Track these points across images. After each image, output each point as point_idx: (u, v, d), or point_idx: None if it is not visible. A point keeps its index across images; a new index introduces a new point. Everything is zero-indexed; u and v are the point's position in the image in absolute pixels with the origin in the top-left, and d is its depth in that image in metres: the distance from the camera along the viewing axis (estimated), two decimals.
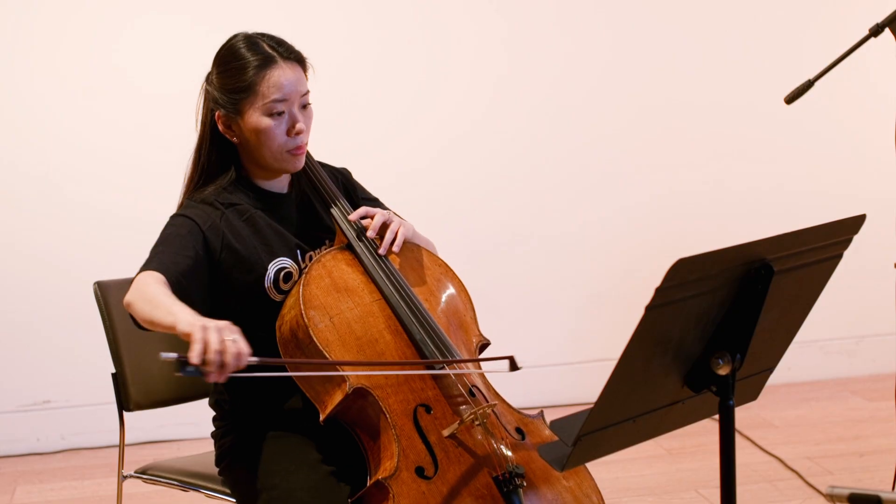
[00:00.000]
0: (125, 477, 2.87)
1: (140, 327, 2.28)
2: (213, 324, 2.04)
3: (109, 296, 2.89)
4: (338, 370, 2.30)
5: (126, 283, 2.93)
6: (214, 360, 2.00)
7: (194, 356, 1.99)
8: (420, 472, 2.23)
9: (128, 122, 4.64)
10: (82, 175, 4.62)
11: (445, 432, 2.28)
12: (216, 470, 2.62)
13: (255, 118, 2.42)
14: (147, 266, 2.31)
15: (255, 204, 2.51)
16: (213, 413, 2.64)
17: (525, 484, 2.26)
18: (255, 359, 2.08)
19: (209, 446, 2.73)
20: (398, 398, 2.30)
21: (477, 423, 2.32)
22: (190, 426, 4.65)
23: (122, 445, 2.95)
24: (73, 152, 4.61)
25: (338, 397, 2.30)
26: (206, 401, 2.79)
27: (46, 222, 4.62)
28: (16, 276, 4.62)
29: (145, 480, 2.83)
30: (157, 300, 2.19)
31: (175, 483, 2.76)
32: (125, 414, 2.88)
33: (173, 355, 1.98)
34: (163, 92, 4.61)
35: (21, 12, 4.53)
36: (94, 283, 2.90)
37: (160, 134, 4.61)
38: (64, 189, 4.62)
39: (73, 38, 4.58)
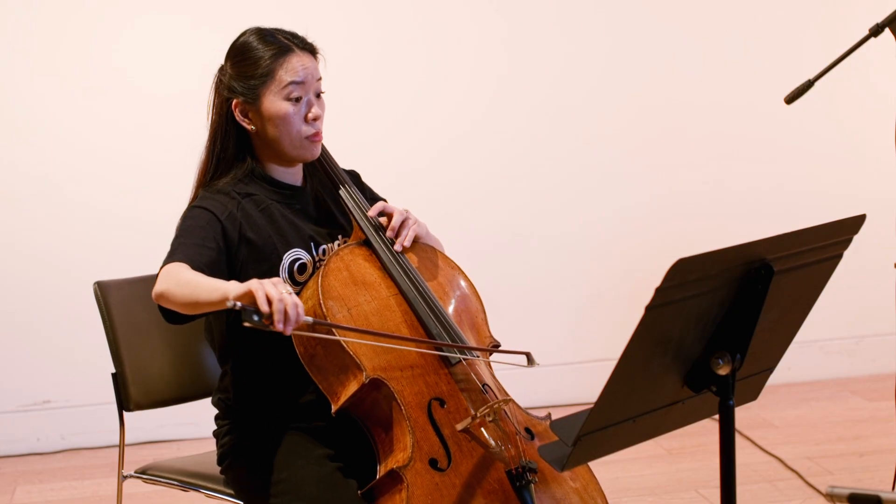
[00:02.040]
0: (125, 477, 2.87)
1: (171, 321, 2.29)
2: (266, 280, 2.10)
3: (109, 296, 2.89)
4: (384, 342, 2.33)
5: (126, 284, 2.94)
6: (279, 308, 2.05)
7: (261, 303, 2.04)
8: (433, 463, 2.24)
9: (128, 122, 4.64)
10: (82, 175, 4.62)
11: (459, 426, 2.30)
12: (217, 470, 2.62)
13: (274, 103, 2.45)
14: (171, 258, 2.32)
15: (271, 195, 2.52)
16: (215, 412, 2.64)
17: (537, 480, 2.27)
18: (310, 318, 2.12)
19: (209, 446, 2.73)
20: (413, 391, 2.31)
21: (490, 419, 2.34)
22: (190, 426, 4.65)
23: (122, 445, 2.95)
24: (73, 152, 4.61)
25: (352, 388, 2.30)
26: (206, 400, 2.79)
27: (46, 222, 4.62)
28: (16, 276, 4.62)
29: (145, 480, 2.83)
30: (196, 281, 2.21)
31: (175, 483, 2.76)
32: (125, 414, 2.88)
33: (239, 303, 2.01)
34: (163, 92, 4.61)
35: (21, 12, 4.53)
36: (94, 283, 2.90)
37: (160, 134, 4.62)
38: (64, 189, 4.62)
39: (73, 39, 4.57)
